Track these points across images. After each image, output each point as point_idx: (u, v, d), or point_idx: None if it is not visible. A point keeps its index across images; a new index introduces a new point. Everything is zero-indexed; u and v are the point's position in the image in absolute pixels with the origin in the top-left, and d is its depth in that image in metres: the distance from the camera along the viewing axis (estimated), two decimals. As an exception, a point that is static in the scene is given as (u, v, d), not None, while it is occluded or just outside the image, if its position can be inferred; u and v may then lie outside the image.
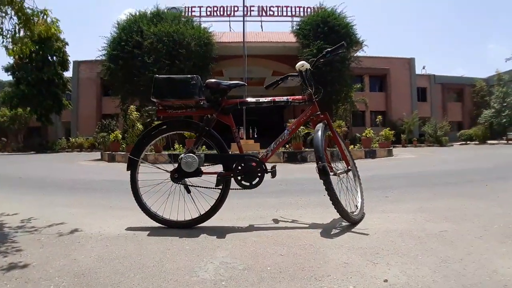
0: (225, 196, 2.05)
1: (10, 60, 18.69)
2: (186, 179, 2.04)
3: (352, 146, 10.06)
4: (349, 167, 2.20)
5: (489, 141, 20.46)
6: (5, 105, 20.49)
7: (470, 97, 27.54)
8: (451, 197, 2.91)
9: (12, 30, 2.62)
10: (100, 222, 2.16)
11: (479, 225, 1.93)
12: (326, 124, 2.08)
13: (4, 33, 2.59)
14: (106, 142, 11.63)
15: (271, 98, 2.07)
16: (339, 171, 2.09)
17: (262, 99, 2.08)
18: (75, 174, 5.97)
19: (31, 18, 2.58)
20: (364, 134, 10.14)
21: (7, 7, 2.47)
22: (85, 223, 2.13)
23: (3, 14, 2.51)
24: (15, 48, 2.70)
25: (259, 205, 2.67)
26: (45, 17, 2.66)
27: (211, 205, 2.04)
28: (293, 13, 18.52)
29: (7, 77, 21.05)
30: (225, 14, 19.04)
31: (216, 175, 1.96)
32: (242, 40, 12.35)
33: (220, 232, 1.89)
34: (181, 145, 9.42)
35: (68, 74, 21.95)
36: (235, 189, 2.00)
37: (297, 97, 2.12)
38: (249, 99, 2.11)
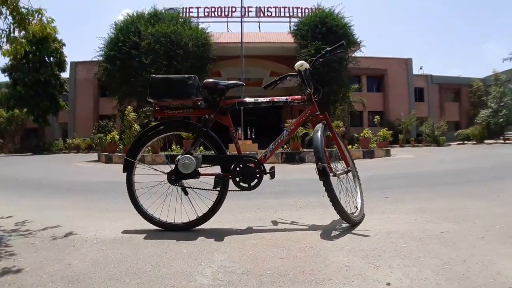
0: (223, 198, 2.01)
1: (7, 61, 18.62)
2: (183, 180, 2.01)
3: (350, 146, 10.04)
4: (349, 168, 2.18)
5: (486, 141, 20.53)
6: (2, 106, 20.38)
7: (467, 97, 27.67)
8: (451, 197, 2.90)
9: (7, 29, 2.58)
10: (96, 225, 2.12)
11: (481, 225, 1.91)
12: (326, 124, 2.05)
13: (-1, 33, 2.55)
14: (103, 143, 11.58)
15: (270, 98, 2.05)
16: (339, 172, 2.07)
17: (260, 99, 2.05)
18: (72, 176, 5.92)
19: (26, 17, 2.54)
20: (362, 134, 10.13)
21: (1, 6, 2.43)
22: (81, 226, 2.10)
23: (-2, 14, 2.46)
24: (10, 48, 2.66)
25: (258, 207, 2.64)
26: (40, 16, 2.62)
27: (209, 207, 2.00)
28: (291, 13, 18.53)
29: (3, 78, 20.97)
30: (223, 15, 19.03)
31: (214, 177, 1.93)
32: (240, 41, 12.31)
33: (218, 234, 1.86)
34: (178, 146, 9.38)
35: (65, 75, 21.89)
36: (233, 190, 1.97)
37: (296, 97, 2.10)
38: (248, 99, 2.08)
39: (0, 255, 1.56)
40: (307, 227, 1.99)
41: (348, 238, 1.73)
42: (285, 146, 8.88)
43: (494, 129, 21.94)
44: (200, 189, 1.98)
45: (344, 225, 1.98)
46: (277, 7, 18.83)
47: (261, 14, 18.93)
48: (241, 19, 13.20)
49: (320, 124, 2.00)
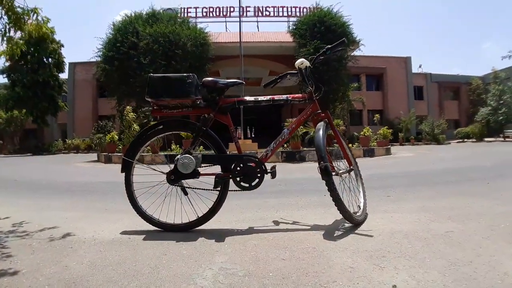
0: (224, 198, 1.98)
1: (4, 62, 18.54)
2: (183, 180, 1.97)
3: (350, 145, 9.99)
4: (351, 167, 2.15)
5: (486, 139, 20.53)
6: (1, 108, 20.32)
7: (467, 95, 27.68)
8: (453, 195, 2.87)
9: (2, 29, 2.54)
10: (94, 226, 2.09)
11: (485, 224, 1.88)
12: (327, 122, 2.02)
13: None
14: (103, 144, 11.55)
15: (270, 96, 2.01)
16: (341, 171, 2.04)
17: (260, 98, 2.01)
18: (71, 176, 5.89)
19: (22, 17, 2.50)
20: (362, 133, 10.11)
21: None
22: (79, 227, 2.06)
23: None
24: (6, 48, 2.62)
25: (259, 206, 2.61)
26: (35, 16, 2.59)
27: (209, 207, 1.97)
28: (289, 13, 18.51)
29: (2, 80, 20.89)
30: (221, 14, 19.00)
31: (214, 177, 1.90)
32: (238, 40, 12.28)
33: (219, 235, 1.83)
34: (178, 146, 9.34)
35: (63, 75, 21.83)
36: (234, 190, 1.94)
37: (297, 95, 2.06)
38: (248, 98, 2.04)
39: (-4, 258, 1.53)
40: (309, 227, 1.96)
41: (352, 239, 1.70)
42: (285, 145, 8.85)
43: (493, 127, 21.96)
44: (200, 189, 1.95)
45: (347, 225, 1.95)
46: (276, 6, 18.80)
47: (260, 14, 18.92)
48: (240, 19, 13.20)
49: (322, 123, 1.97)
